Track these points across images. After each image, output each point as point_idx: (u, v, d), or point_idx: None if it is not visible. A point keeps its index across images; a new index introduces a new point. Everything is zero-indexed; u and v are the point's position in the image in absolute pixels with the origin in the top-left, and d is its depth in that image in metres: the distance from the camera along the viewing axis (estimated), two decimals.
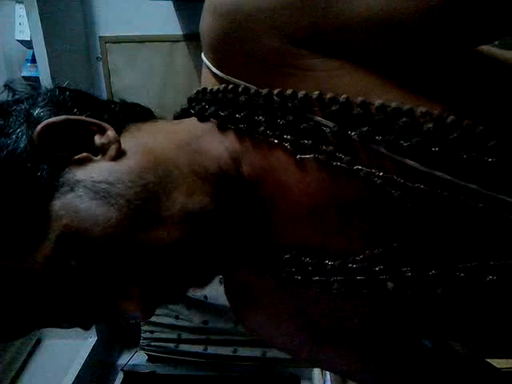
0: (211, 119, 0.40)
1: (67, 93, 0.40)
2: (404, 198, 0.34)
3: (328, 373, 1.64)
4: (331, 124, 0.34)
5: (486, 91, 0.35)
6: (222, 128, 0.39)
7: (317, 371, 1.88)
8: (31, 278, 0.34)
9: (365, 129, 0.34)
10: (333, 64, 0.34)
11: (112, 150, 0.37)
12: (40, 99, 0.39)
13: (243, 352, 1.86)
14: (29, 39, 1.52)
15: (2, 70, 1.69)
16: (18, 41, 1.59)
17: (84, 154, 0.37)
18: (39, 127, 0.35)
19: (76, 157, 0.36)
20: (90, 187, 0.35)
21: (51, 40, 1.51)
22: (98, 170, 0.36)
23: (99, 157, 0.37)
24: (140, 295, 0.36)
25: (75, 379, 1.69)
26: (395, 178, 0.34)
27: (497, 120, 0.34)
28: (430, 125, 0.32)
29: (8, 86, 0.41)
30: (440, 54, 0.34)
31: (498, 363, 0.53)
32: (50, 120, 0.36)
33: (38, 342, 1.94)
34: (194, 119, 0.42)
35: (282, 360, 1.86)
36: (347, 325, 0.44)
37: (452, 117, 0.32)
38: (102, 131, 0.38)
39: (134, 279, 0.36)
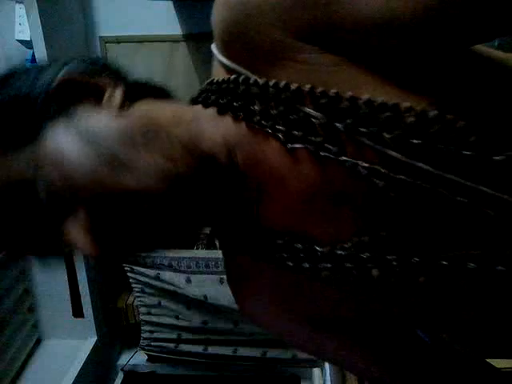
0: (213, 106, 0.42)
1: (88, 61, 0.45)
2: (388, 188, 0.36)
3: (328, 373, 1.65)
4: (320, 115, 0.36)
5: (473, 88, 0.36)
6: (221, 114, 0.41)
7: (317, 371, 1.89)
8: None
9: (350, 120, 0.35)
10: (330, 60, 0.35)
11: (116, 100, 0.41)
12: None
13: (243, 352, 1.86)
14: (29, 39, 1.52)
15: (1, 70, 1.69)
16: (17, 41, 1.59)
17: (90, 100, 0.40)
18: (60, 77, 0.40)
19: (83, 101, 0.40)
20: (83, 131, 0.38)
21: (51, 40, 1.51)
22: (96, 120, 0.40)
23: (103, 107, 0.40)
24: (88, 223, 0.38)
25: (75, 379, 1.69)
26: (379, 168, 0.35)
27: (480, 116, 0.35)
28: (412, 118, 0.34)
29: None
30: (437, 52, 0.35)
31: (498, 363, 0.53)
32: (73, 76, 0.40)
33: (38, 341, 1.94)
34: (200, 106, 0.44)
35: (282, 360, 1.86)
36: (337, 313, 0.46)
37: (435, 112, 0.34)
38: (113, 87, 0.42)
39: (84, 203, 0.38)
